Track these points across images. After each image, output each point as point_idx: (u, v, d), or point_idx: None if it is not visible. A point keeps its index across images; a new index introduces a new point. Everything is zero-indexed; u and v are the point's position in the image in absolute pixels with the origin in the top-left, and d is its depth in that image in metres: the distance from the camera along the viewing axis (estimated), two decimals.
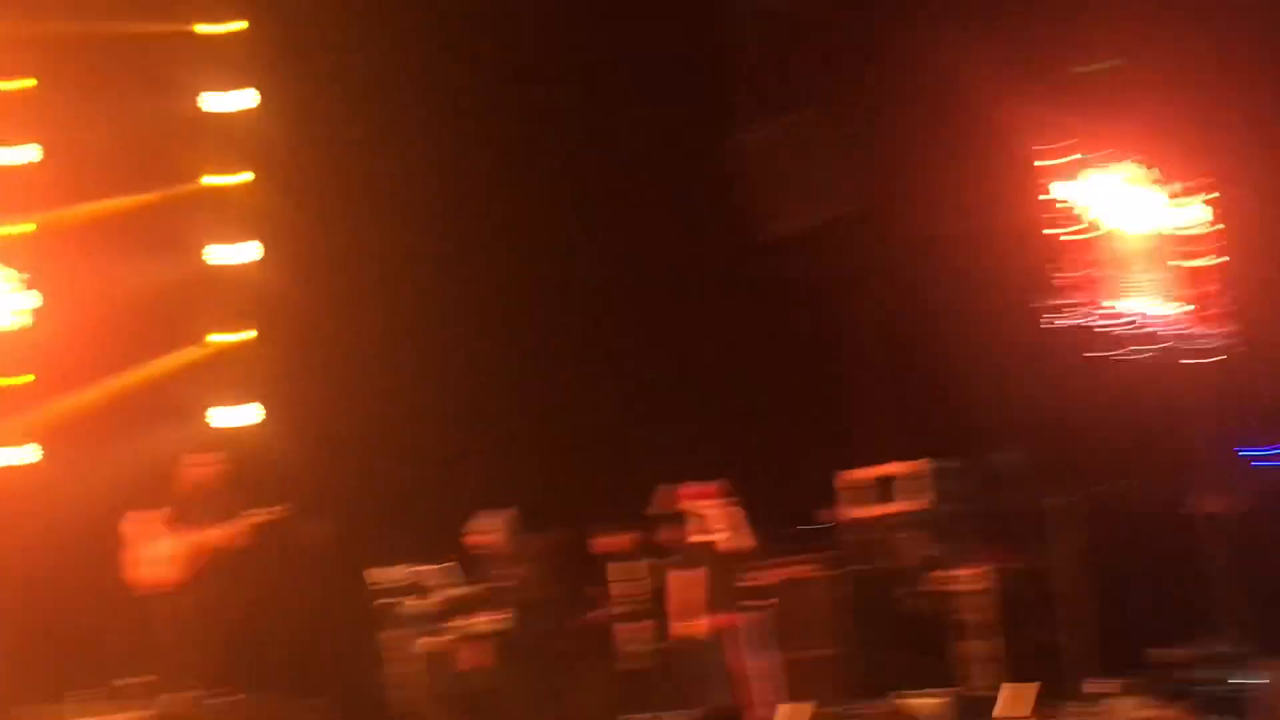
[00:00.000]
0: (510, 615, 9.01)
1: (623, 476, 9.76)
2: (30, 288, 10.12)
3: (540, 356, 11.07)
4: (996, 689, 8.33)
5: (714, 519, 8.40)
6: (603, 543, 9.53)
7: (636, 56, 11.01)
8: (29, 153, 10.40)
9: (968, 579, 9.19)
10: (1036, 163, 10.27)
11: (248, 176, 10.94)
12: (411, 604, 8.85)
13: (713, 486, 8.50)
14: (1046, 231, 10.23)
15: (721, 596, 8.31)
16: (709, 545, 8.40)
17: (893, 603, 9.21)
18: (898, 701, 8.42)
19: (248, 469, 9.23)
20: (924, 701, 8.35)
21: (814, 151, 8.68)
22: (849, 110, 10.70)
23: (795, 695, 8.38)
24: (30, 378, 10.17)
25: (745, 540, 8.44)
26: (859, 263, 10.20)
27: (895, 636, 8.99)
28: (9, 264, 10.04)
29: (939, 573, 9.27)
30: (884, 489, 9.85)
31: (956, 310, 10.12)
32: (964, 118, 10.11)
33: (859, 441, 10.54)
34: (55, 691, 8.88)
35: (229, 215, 10.84)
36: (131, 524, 8.47)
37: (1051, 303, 10.12)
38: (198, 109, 10.88)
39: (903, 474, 9.79)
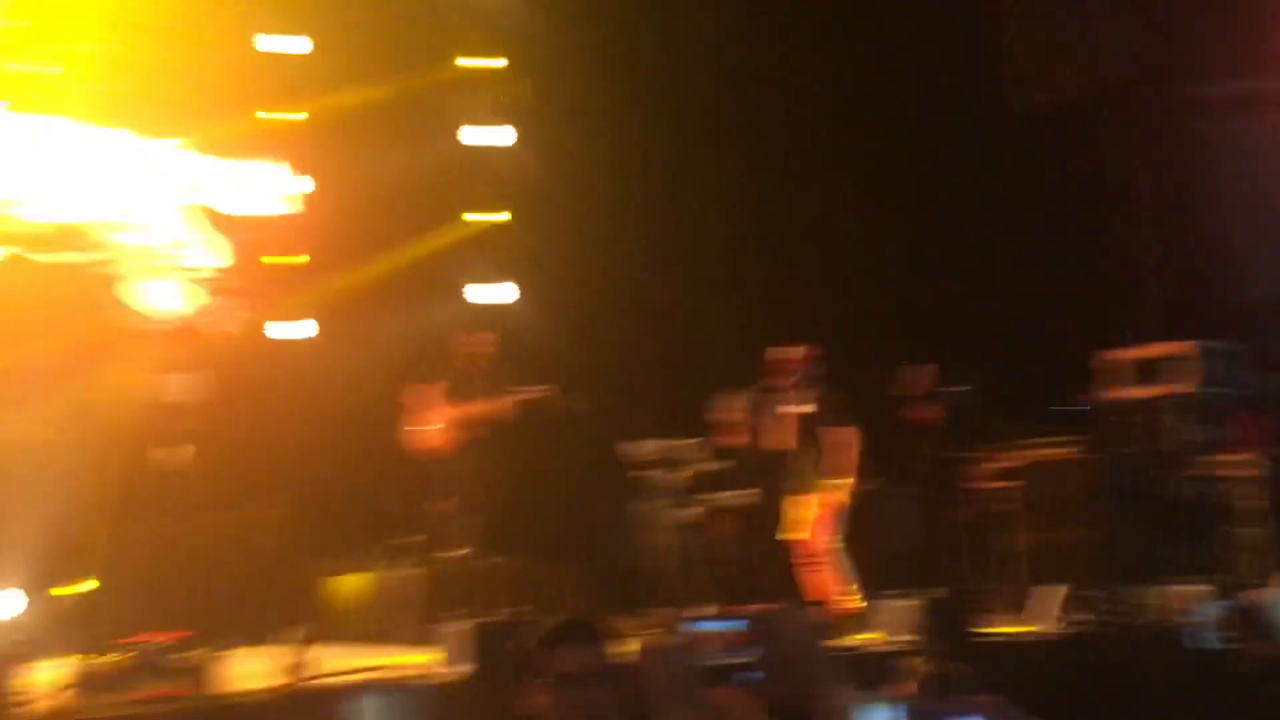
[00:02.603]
0: (758, 489, 9.18)
1: (879, 357, 9.74)
2: (302, 173, 10.67)
3: (798, 233, 11.08)
4: (1264, 579, 8.02)
5: None
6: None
7: None
8: (301, 43, 10.96)
9: (1235, 464, 8.81)
10: None
11: (501, 62, 11.21)
12: (662, 477, 9.09)
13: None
14: None
15: None
16: None
17: (1154, 487, 8.91)
18: (1157, 588, 8.21)
19: (508, 346, 9.61)
20: (1186, 589, 8.10)
21: (1085, 10, 8.21)
22: None
23: (1050, 578, 8.27)
24: (305, 258, 10.80)
25: None
26: (1128, 133, 9.70)
27: (1156, 521, 8.72)
28: (283, 151, 10.59)
29: (1204, 457, 8.92)
30: (1148, 371, 9.49)
31: (1231, 183, 9.53)
32: None
33: (1123, 321, 10.15)
34: (335, 549, 9.54)
35: (483, 100, 11.14)
36: (411, 395, 9.05)
37: None
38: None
39: (1169, 355, 9.40)
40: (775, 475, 9.23)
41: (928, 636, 6.77)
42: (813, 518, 7.63)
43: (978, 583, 9.93)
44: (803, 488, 7.70)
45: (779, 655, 2.39)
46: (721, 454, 9.27)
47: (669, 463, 9.08)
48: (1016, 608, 8.59)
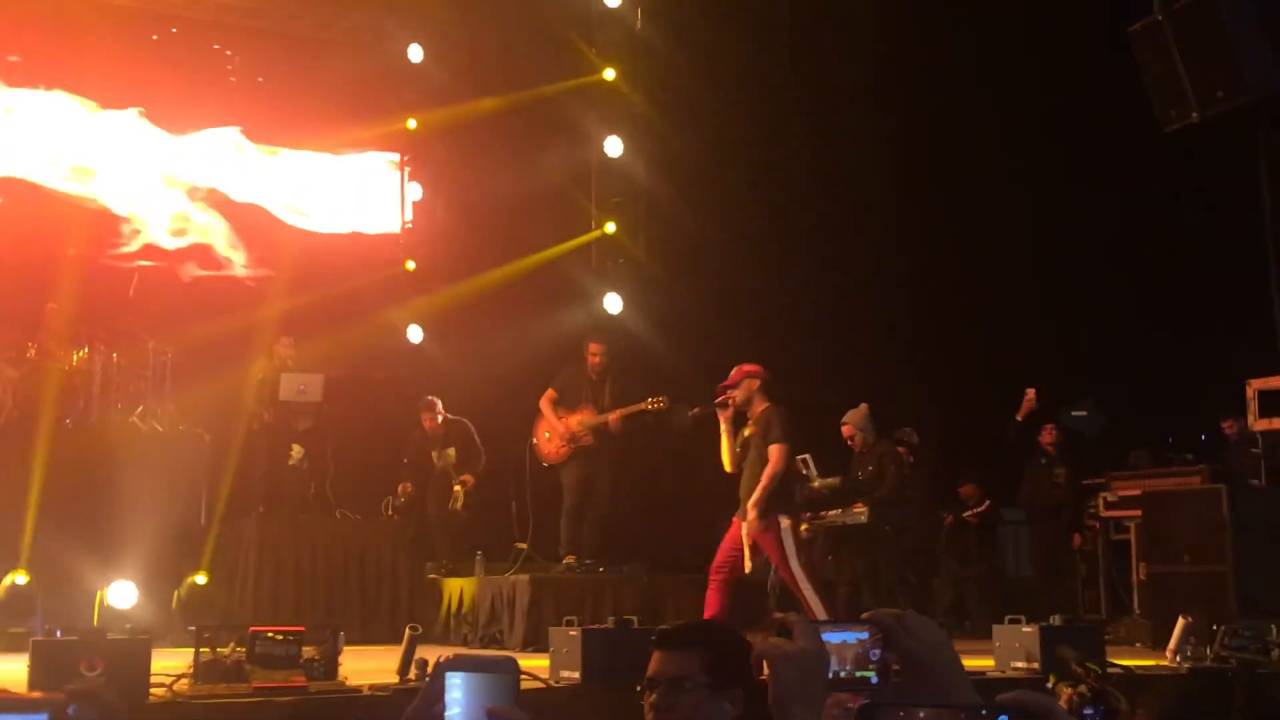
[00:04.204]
0: (866, 509, 9.09)
1: (998, 380, 9.59)
2: (419, 182, 10.85)
3: (916, 248, 10.97)
4: None
5: None
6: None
7: None
8: (419, 53, 11.10)
9: None
10: None
11: (612, 73, 11.29)
12: None
13: None
14: None
15: None
16: None
17: None
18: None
19: (620, 356, 9.65)
20: None
21: (1231, 27, 7.97)
22: None
23: (1172, 610, 8.02)
24: (419, 264, 10.98)
25: None
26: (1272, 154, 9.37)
27: None
28: (402, 161, 10.79)
29: None
30: (1277, 402, 9.18)
31: None
32: None
33: (1253, 350, 9.85)
34: (446, 552, 9.65)
35: (601, 109, 11.22)
36: (526, 403, 9.15)
37: None
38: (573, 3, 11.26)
39: None
40: (883, 493, 9.16)
41: (1050, 665, 6.60)
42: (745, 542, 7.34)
43: (1097, 612, 9.71)
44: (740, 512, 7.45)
45: (910, 663, 2.35)
46: (834, 470, 9.22)
47: None
48: (1137, 639, 8.37)
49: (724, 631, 3.62)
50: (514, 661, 2.38)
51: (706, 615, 7.33)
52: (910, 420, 9.99)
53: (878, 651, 2.28)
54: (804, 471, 9.00)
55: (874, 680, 2.30)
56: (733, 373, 7.52)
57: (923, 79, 11.03)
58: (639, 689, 3.49)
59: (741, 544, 7.36)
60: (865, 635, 2.34)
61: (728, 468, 7.44)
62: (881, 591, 9.12)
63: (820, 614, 7.00)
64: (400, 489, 9.64)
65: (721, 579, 7.41)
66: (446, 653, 6.83)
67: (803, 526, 8.69)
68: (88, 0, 9.50)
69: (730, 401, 7.37)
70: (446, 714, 2.28)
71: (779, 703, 2.35)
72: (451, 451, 9.58)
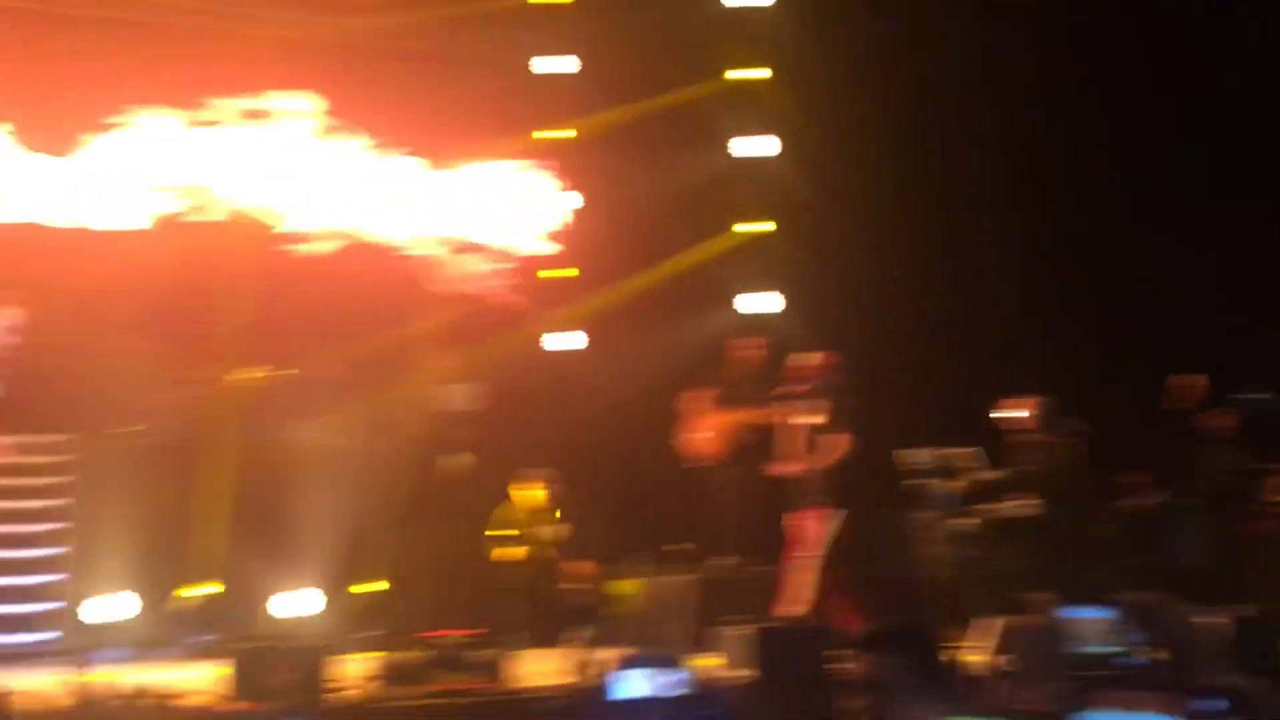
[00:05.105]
0: (1038, 501, 8.90)
1: (1175, 364, 9.33)
2: (573, 189, 10.97)
3: (1070, 236, 10.74)
4: None
5: None
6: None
7: None
8: (568, 63, 11.28)
9: None
10: None
11: (765, 73, 11.26)
12: (939, 486, 8.92)
13: None
14: None
15: None
16: None
17: None
18: None
19: (776, 354, 9.61)
20: None
21: None
22: None
23: None
24: (575, 271, 11.09)
25: None
26: None
27: None
28: (556, 169, 10.92)
29: None
30: None
31: None
32: None
33: None
34: (610, 554, 9.71)
35: (750, 112, 11.22)
36: (685, 401, 9.17)
37: None
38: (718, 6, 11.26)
39: None
40: (1054, 484, 8.96)
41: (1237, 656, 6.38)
42: (808, 534, 7.21)
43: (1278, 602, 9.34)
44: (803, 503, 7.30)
45: (1166, 645, 2.29)
46: (1000, 462, 9.05)
47: (945, 471, 8.90)
48: None
49: (923, 631, 3.59)
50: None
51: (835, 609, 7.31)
52: (1077, 410, 9.75)
53: (1129, 632, 2.24)
54: (973, 464, 8.86)
55: (1123, 658, 2.25)
56: (814, 362, 7.45)
57: (1088, 72, 10.78)
58: (837, 689, 3.48)
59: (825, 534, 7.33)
60: (1109, 614, 2.29)
61: (799, 458, 7.37)
62: (1050, 583, 8.91)
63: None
64: None
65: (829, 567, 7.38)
66: (615, 654, 6.83)
67: (974, 520, 8.59)
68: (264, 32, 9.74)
69: (818, 392, 7.32)
70: None
71: (1021, 676, 2.32)
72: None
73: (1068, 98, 10.95)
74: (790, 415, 7.47)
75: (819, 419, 7.47)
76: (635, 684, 2.08)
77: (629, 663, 2.08)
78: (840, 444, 7.36)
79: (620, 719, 5.19)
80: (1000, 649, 2.31)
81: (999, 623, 5.65)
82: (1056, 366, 10.17)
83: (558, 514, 9.78)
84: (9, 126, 8.27)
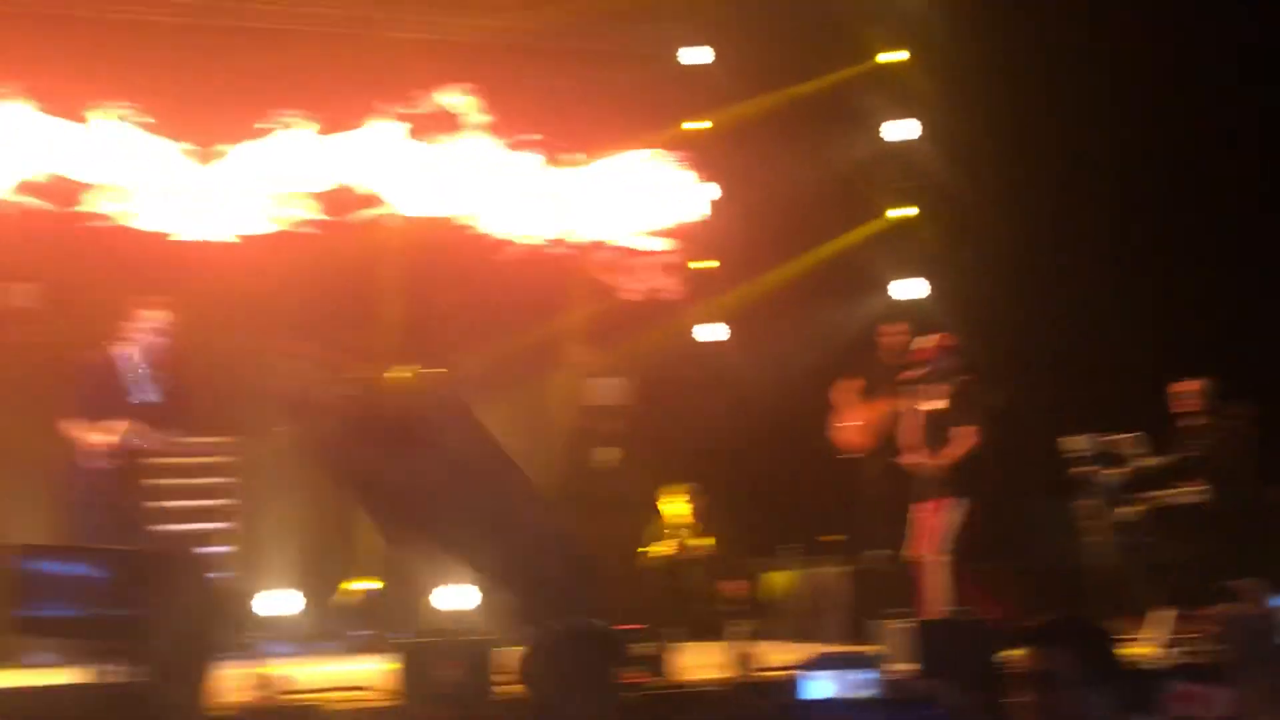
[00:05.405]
0: (1206, 487, 8.61)
1: None
2: (716, 180, 10.93)
3: (1212, 223, 10.38)
4: None
5: None
6: None
7: None
8: (703, 54, 11.26)
9: None
10: None
11: (904, 55, 11.08)
12: (1104, 473, 8.67)
13: None
14: None
15: None
16: None
17: None
18: None
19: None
20: None
21: None
22: None
23: None
24: (715, 263, 11.06)
25: None
26: None
27: None
28: (698, 160, 10.90)
29: None
30: None
31: None
32: None
33: None
34: (763, 547, 9.68)
35: (890, 95, 11.06)
36: (837, 391, 9.08)
37: None
38: None
39: None
40: (1222, 469, 8.64)
41: None
42: (931, 527, 6.87)
43: None
44: (925, 494, 6.94)
45: None
46: (1162, 448, 8.77)
47: (1110, 457, 8.66)
48: None
49: (1095, 624, 3.51)
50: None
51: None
52: (1240, 393, 9.40)
53: None
54: (1136, 449, 8.61)
55: None
56: (930, 344, 7.22)
57: (1235, 56, 10.38)
58: (1003, 683, 3.41)
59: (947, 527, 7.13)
60: None
61: (920, 447, 7.14)
62: (1217, 573, 8.61)
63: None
64: None
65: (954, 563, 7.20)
66: (776, 646, 6.75)
67: (1140, 507, 8.33)
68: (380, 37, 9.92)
69: (935, 376, 7.10)
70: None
71: (1231, 663, 2.24)
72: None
73: (1217, 85, 10.56)
74: (912, 401, 7.25)
75: (938, 404, 7.24)
76: (825, 684, 2.04)
77: (818, 662, 2.03)
78: (967, 436, 7.14)
79: None
80: (1213, 640, 2.21)
81: (1171, 614, 5.46)
82: (1219, 350, 9.81)
83: (702, 526, 9.77)
84: (169, 139, 8.53)
